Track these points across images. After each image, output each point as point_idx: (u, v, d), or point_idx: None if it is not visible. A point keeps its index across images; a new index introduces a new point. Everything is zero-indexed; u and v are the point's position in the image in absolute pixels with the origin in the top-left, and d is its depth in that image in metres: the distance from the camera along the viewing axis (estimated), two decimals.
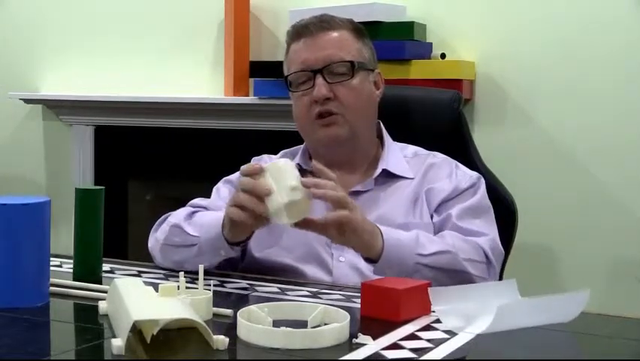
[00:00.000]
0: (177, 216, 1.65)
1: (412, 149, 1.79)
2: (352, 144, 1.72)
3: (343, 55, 1.70)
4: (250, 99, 2.99)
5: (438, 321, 1.21)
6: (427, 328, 1.18)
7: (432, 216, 1.67)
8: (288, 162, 1.44)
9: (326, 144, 1.71)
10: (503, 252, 1.67)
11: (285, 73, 1.75)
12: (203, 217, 1.60)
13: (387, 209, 1.67)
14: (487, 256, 1.59)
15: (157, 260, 1.65)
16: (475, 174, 1.74)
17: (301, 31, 1.72)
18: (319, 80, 1.68)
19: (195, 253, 1.56)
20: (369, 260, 1.50)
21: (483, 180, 1.73)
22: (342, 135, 1.69)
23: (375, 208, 1.67)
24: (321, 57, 1.68)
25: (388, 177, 1.72)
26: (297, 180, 1.39)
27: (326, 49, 1.69)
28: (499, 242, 1.65)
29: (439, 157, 1.76)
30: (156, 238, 1.66)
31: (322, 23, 1.72)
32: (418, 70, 2.65)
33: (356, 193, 1.69)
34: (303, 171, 1.73)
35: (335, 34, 1.72)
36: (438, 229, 1.64)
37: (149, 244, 1.68)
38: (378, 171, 1.71)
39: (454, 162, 1.76)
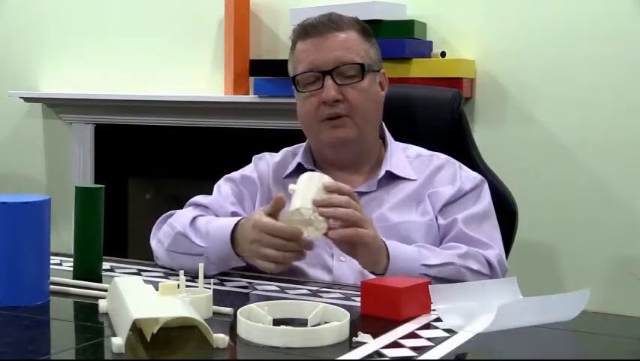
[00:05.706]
0: (181, 221, 1.61)
1: (414, 149, 1.78)
2: (358, 146, 1.71)
3: (353, 57, 1.68)
4: (250, 98, 2.99)
5: (438, 320, 1.20)
6: (427, 326, 1.18)
7: (436, 218, 1.67)
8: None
9: (333, 146, 1.70)
10: (507, 268, 1.66)
11: (291, 72, 1.74)
12: (209, 225, 1.57)
13: (389, 209, 1.67)
14: (492, 268, 1.59)
15: (162, 262, 1.63)
16: (478, 175, 1.74)
17: (309, 30, 1.70)
18: (328, 81, 1.66)
19: (204, 262, 1.54)
20: (375, 274, 1.50)
21: (486, 183, 1.73)
22: (350, 137, 1.68)
23: (377, 208, 1.67)
24: (330, 58, 1.67)
25: (391, 178, 1.71)
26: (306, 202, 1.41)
27: (335, 50, 1.67)
28: (504, 254, 1.66)
29: (441, 158, 1.75)
30: (159, 240, 1.63)
31: (331, 23, 1.69)
32: (418, 68, 2.65)
33: (359, 194, 1.68)
34: (304, 170, 1.73)
35: (343, 35, 1.69)
36: (443, 234, 1.65)
37: (152, 245, 1.66)
38: (382, 172, 1.71)
39: (457, 163, 1.75)
